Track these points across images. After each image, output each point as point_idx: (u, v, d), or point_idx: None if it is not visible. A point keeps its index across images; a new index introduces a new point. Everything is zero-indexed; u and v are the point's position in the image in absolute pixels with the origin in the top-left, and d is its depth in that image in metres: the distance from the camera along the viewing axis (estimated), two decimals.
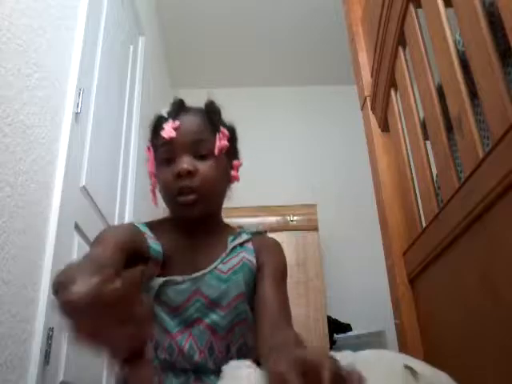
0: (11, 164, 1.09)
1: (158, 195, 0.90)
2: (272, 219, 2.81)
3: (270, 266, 0.85)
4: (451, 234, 0.96)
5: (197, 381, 0.75)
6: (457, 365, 0.54)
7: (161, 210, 0.99)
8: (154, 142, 0.89)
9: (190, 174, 0.81)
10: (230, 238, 0.88)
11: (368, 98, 1.59)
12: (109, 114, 1.89)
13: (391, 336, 1.58)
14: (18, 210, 1.11)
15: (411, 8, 1.19)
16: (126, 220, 2.02)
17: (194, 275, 0.80)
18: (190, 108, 0.90)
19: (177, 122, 0.84)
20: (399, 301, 1.25)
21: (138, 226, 0.84)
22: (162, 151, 0.86)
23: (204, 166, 0.83)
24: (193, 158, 0.83)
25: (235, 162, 0.92)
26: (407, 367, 0.49)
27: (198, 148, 0.84)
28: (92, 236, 1.62)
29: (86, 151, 1.58)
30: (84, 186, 1.53)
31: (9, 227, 1.06)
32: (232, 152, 0.91)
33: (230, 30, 3.25)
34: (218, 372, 0.67)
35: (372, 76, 1.56)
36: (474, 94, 0.90)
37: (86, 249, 1.43)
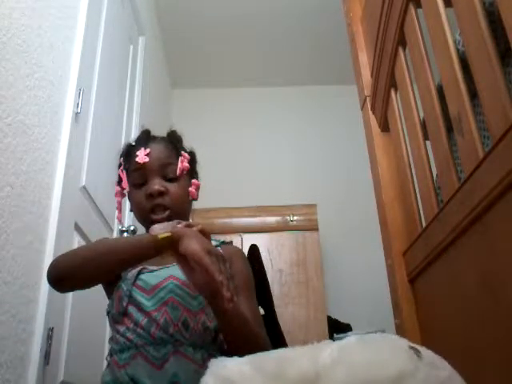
0: (11, 164, 1.09)
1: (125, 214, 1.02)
2: (272, 219, 2.81)
3: (239, 278, 0.96)
4: (451, 234, 0.96)
5: (175, 353, 0.82)
6: (456, 364, 0.54)
7: None
8: (127, 166, 1.01)
9: (161, 193, 0.95)
10: None
11: (368, 98, 1.59)
12: (109, 114, 1.89)
13: None
14: (18, 210, 1.11)
15: (411, 8, 1.19)
16: (126, 219, 2.02)
17: (169, 265, 0.91)
18: (156, 137, 1.04)
19: (148, 149, 0.97)
20: (399, 301, 1.25)
21: None
22: (135, 175, 0.98)
23: (172, 187, 0.96)
24: (162, 180, 0.96)
25: (194, 181, 1.03)
26: (411, 347, 0.53)
27: (166, 171, 0.97)
28: (92, 236, 1.63)
29: (86, 151, 1.58)
30: (84, 186, 1.53)
31: (9, 227, 1.06)
32: (192, 173, 1.05)
33: (230, 30, 3.25)
34: (194, 345, 0.84)
35: (372, 76, 1.56)
36: (474, 94, 0.90)
37: None
